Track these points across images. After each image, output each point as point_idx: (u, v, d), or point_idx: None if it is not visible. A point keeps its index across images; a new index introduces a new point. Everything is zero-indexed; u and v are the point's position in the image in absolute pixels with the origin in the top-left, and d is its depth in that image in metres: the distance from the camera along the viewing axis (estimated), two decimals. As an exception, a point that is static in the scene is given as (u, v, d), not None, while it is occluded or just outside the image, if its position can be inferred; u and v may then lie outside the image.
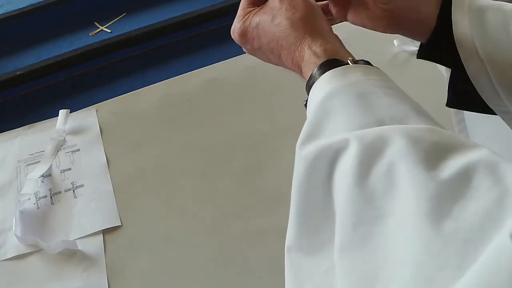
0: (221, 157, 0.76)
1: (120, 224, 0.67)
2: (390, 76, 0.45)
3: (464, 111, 0.57)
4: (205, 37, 2.33)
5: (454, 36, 0.41)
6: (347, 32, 0.98)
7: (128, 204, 0.70)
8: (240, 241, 0.64)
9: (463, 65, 0.42)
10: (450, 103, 0.47)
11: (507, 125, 0.48)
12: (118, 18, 2.23)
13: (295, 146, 0.76)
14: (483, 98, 0.42)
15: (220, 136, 0.80)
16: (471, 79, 0.41)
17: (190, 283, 0.60)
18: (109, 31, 2.16)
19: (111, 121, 0.84)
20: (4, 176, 0.75)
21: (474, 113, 0.55)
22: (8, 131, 0.83)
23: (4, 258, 0.63)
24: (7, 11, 2.02)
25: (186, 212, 0.69)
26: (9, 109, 2.01)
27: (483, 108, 0.45)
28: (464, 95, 0.46)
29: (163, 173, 0.75)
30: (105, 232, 0.66)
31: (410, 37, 0.47)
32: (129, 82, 2.07)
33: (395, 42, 0.90)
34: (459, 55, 0.42)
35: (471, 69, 0.41)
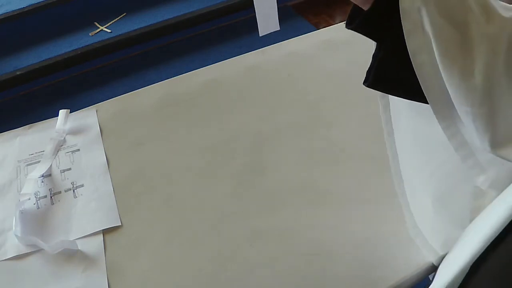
0: (221, 157, 0.76)
1: (120, 224, 0.67)
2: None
3: (390, 108, 0.57)
4: (205, 37, 2.33)
5: (400, 5, 0.39)
6: (348, 31, 0.98)
7: (128, 204, 0.70)
8: (240, 241, 0.64)
9: (394, 41, 0.41)
10: (372, 82, 0.45)
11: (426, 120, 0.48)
12: (118, 18, 2.23)
13: (295, 146, 0.77)
14: (417, 74, 0.41)
15: (220, 136, 0.80)
16: (410, 55, 0.40)
17: (190, 283, 0.60)
18: (109, 31, 2.16)
19: (111, 121, 0.84)
20: (4, 176, 0.75)
21: (395, 110, 0.56)
22: (8, 131, 0.83)
23: (4, 258, 0.63)
24: (7, 11, 2.02)
25: (186, 212, 0.69)
26: (9, 109, 2.02)
27: (405, 91, 0.45)
28: (390, 74, 0.44)
29: (163, 173, 0.75)
30: (105, 232, 0.66)
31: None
32: (129, 82, 2.08)
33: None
34: (394, 30, 0.40)
35: (412, 44, 0.40)
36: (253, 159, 0.75)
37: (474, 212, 0.50)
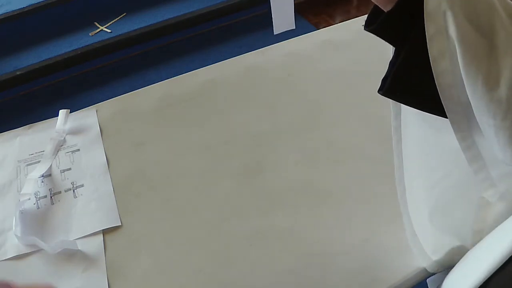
0: (221, 157, 0.76)
1: (120, 224, 0.67)
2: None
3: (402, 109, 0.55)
4: (205, 37, 2.34)
5: (425, 7, 0.37)
6: (348, 31, 0.98)
7: (128, 204, 0.70)
8: (240, 241, 0.64)
9: (414, 46, 0.40)
10: (388, 90, 0.43)
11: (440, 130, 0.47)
12: (118, 18, 2.23)
13: (295, 146, 0.77)
14: (437, 83, 0.40)
15: (220, 136, 0.80)
16: (431, 61, 0.39)
17: (190, 283, 0.60)
18: (109, 31, 2.16)
19: (111, 121, 0.84)
20: (4, 176, 0.75)
21: (406, 117, 0.55)
22: (8, 131, 0.83)
23: (4, 258, 0.63)
24: (7, 11, 2.03)
25: (186, 212, 0.69)
26: (9, 109, 2.02)
27: (421, 101, 0.44)
28: (407, 83, 0.43)
29: (163, 173, 0.75)
30: (105, 232, 0.66)
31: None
32: (129, 82, 2.08)
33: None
34: (415, 34, 0.39)
35: (435, 50, 0.38)
36: (253, 159, 0.75)
37: (478, 223, 0.50)
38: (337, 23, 1.18)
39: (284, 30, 0.62)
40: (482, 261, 0.41)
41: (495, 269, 0.39)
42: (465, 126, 0.42)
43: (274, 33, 0.62)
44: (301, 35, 1.01)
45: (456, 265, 0.51)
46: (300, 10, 2.48)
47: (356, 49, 0.93)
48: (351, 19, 1.02)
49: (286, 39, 0.99)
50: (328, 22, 2.39)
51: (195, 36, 2.33)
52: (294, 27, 0.62)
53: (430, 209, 0.57)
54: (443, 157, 0.51)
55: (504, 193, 0.46)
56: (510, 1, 0.38)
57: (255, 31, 2.23)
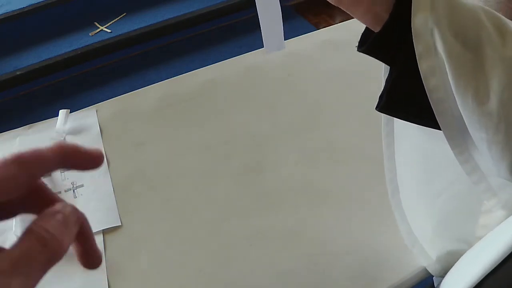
0: (221, 157, 0.76)
1: (120, 224, 0.67)
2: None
3: (394, 123, 0.56)
4: (205, 37, 2.33)
5: (412, 26, 0.38)
6: (348, 31, 0.98)
7: (128, 204, 0.70)
8: (240, 241, 0.64)
9: (405, 64, 0.40)
10: (384, 106, 0.43)
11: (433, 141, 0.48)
12: (118, 18, 2.23)
13: (295, 146, 0.77)
14: (430, 98, 0.40)
15: (220, 136, 0.80)
16: (422, 78, 0.39)
17: (190, 283, 0.60)
18: (109, 31, 2.16)
19: (111, 121, 0.84)
20: (4, 176, 0.75)
21: (401, 127, 0.55)
22: (8, 131, 0.83)
23: (4, 258, 0.63)
24: (7, 11, 2.02)
25: (186, 212, 0.69)
26: (9, 109, 2.02)
27: (416, 116, 0.44)
28: (401, 99, 0.43)
29: (163, 173, 0.75)
30: (105, 232, 0.66)
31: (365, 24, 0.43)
32: (129, 82, 2.08)
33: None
34: (406, 53, 0.39)
35: (425, 67, 0.38)
36: (253, 159, 0.75)
37: (481, 229, 0.50)
38: (337, 23, 1.18)
39: (274, 51, 0.62)
40: (477, 262, 0.41)
41: (490, 270, 0.39)
42: (461, 140, 0.42)
43: (266, 54, 0.63)
44: (301, 35, 1.01)
45: (454, 266, 0.52)
46: (300, 10, 2.48)
47: (356, 49, 0.93)
48: (351, 19, 1.02)
49: (286, 39, 0.99)
50: (328, 22, 2.39)
51: (195, 36, 2.33)
52: (285, 47, 0.63)
53: (433, 217, 0.57)
54: (445, 166, 0.51)
55: (507, 202, 0.45)
56: (496, 12, 0.38)
57: (255, 31, 2.22)
